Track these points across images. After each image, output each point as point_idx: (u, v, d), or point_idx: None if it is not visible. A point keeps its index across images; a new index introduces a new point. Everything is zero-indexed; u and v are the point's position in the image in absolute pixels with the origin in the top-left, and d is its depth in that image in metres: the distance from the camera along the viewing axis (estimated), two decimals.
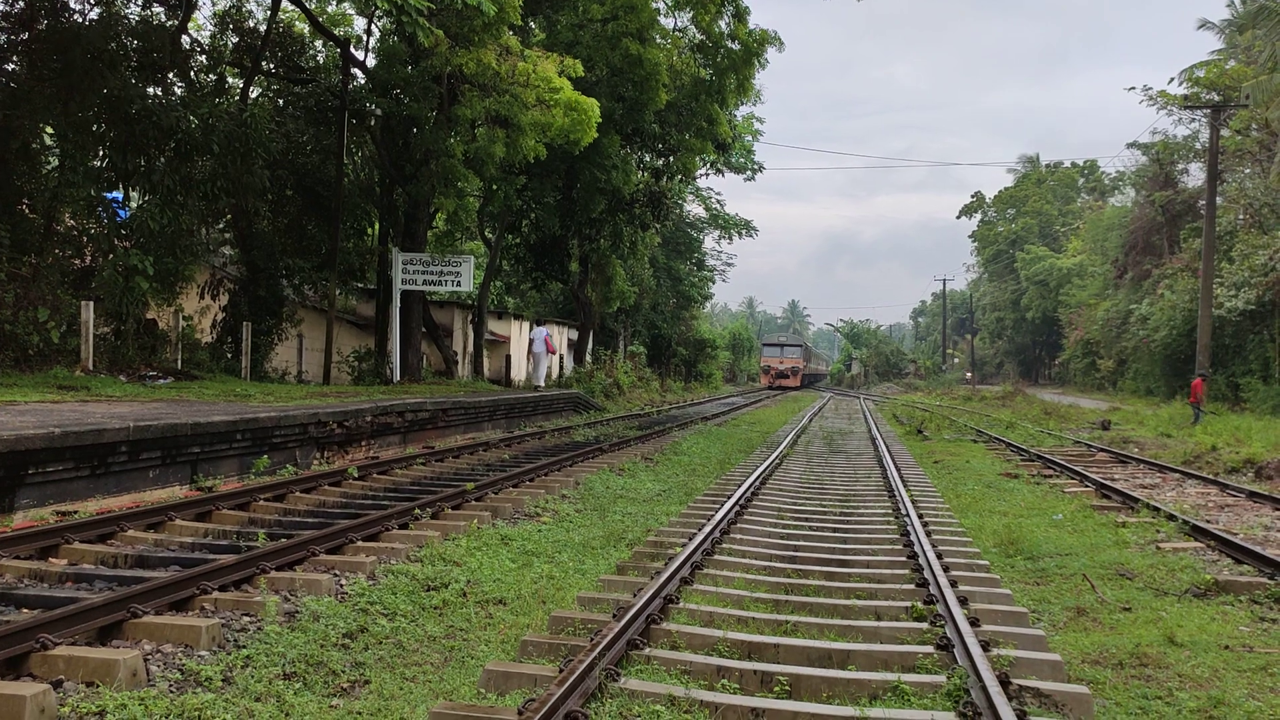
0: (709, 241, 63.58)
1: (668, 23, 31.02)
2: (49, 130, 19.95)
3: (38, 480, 9.16)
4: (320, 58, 27.05)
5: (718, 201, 60.19)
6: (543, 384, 29.92)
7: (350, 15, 28.90)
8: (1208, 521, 11.22)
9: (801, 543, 9.50)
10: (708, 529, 9.15)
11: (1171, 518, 11.02)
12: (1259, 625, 7.10)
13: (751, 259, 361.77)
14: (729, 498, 11.44)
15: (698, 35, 31.23)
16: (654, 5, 28.72)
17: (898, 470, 15.19)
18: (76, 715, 4.73)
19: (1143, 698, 5.55)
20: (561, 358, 45.46)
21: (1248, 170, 42.29)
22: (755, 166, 53.33)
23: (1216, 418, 26.75)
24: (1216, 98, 36.76)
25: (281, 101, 26.32)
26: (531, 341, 30.18)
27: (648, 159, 36.15)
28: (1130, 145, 66.89)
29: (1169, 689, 5.67)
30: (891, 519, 10.88)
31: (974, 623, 6.23)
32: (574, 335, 43.26)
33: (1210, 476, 15.62)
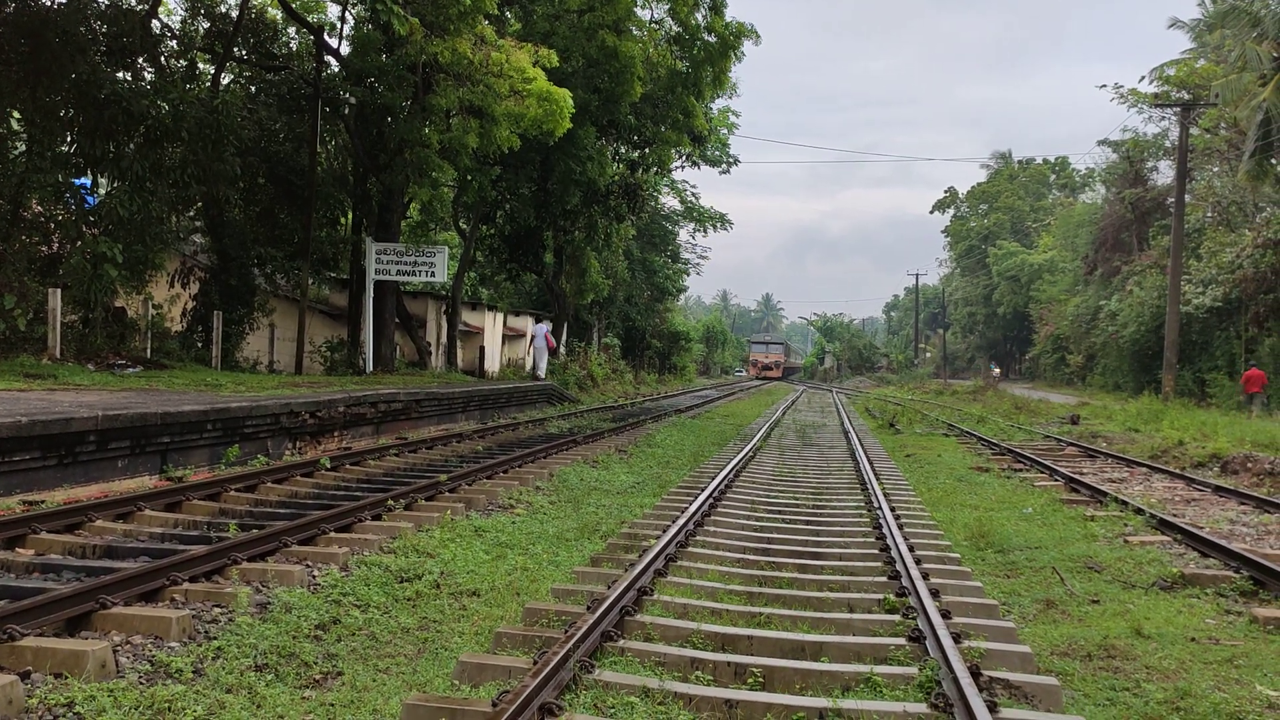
0: (684, 234, 63.66)
1: (644, 14, 30.99)
2: (16, 115, 19.65)
3: (4, 470, 9.05)
4: (293, 45, 26.79)
5: (693, 194, 60.27)
6: (543, 375, 30.87)
7: (324, 2, 28.66)
8: (1174, 515, 11.35)
9: (775, 535, 9.53)
10: (681, 521, 9.16)
11: (1139, 511, 11.15)
12: (1225, 618, 7.19)
13: (720, 252, 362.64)
14: (703, 490, 11.46)
15: (674, 27, 31.21)
16: None
17: (870, 463, 15.27)
18: (45, 706, 4.68)
19: (1111, 689, 5.62)
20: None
21: (1216, 168, 42.83)
22: (730, 159, 53.41)
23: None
24: (1186, 96, 37.19)
25: (254, 88, 26.04)
26: (533, 337, 31.77)
27: (623, 151, 36.11)
28: (1101, 143, 67.45)
29: (1136, 680, 5.74)
30: (864, 512, 10.94)
31: (945, 615, 6.28)
32: (548, 327, 43.17)
33: (1177, 471, 15.82)
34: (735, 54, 31.01)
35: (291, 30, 26.81)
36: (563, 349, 40.13)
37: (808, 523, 10.35)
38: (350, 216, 27.83)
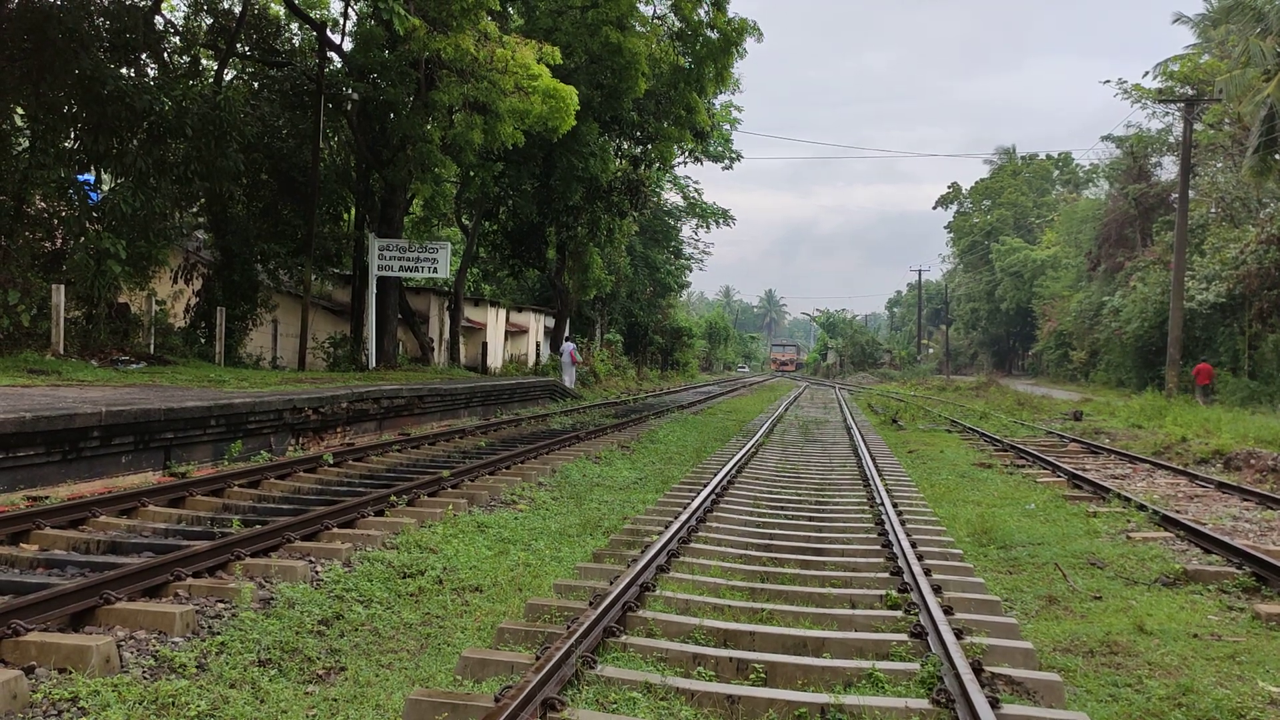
0: (686, 230, 63.60)
1: (647, 10, 30.99)
2: (20, 111, 19.68)
3: (8, 465, 9.06)
4: (296, 41, 26.80)
5: (695, 190, 60.22)
6: (571, 385, 32.43)
7: None
8: (1177, 511, 11.34)
9: (777, 531, 9.53)
10: (684, 517, 9.16)
11: (1142, 508, 11.14)
12: (1227, 614, 7.19)
13: (719, 247, 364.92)
14: (705, 486, 11.46)
15: (677, 23, 31.19)
16: None
17: (873, 459, 15.26)
18: (49, 701, 4.69)
19: (1113, 685, 5.62)
20: (539, 345, 45.47)
21: (1220, 164, 42.74)
22: (733, 155, 53.30)
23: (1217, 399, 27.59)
24: (1190, 92, 37.11)
25: (257, 85, 26.08)
26: (562, 353, 34.42)
27: (626, 147, 36.10)
28: (1105, 138, 67.36)
29: (1139, 676, 5.74)
30: (866, 508, 10.94)
31: (947, 611, 6.28)
32: (550, 323, 43.20)
33: (1180, 467, 15.80)
34: (738, 50, 30.99)
35: (294, 26, 26.83)
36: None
37: (810, 519, 10.35)
38: (353, 212, 27.87)
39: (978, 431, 22.70)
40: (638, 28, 29.31)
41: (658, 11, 31.62)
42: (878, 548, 8.70)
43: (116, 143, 19.41)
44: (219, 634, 5.74)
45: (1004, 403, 35.40)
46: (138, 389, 13.39)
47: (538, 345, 45.78)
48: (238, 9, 24.17)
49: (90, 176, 20.02)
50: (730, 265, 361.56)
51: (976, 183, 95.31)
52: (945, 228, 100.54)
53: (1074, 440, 20.54)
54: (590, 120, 28.59)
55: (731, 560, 8.15)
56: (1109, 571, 8.48)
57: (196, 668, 5.27)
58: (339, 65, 25.38)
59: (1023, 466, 16.23)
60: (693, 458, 16.29)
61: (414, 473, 12.25)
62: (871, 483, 12.44)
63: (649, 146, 35.16)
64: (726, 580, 7.41)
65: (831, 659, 5.64)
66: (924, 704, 4.90)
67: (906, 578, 7.25)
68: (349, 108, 25.58)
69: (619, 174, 34.56)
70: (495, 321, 40.62)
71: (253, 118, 23.36)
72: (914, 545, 8.36)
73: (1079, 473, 14.54)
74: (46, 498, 9.16)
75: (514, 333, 43.89)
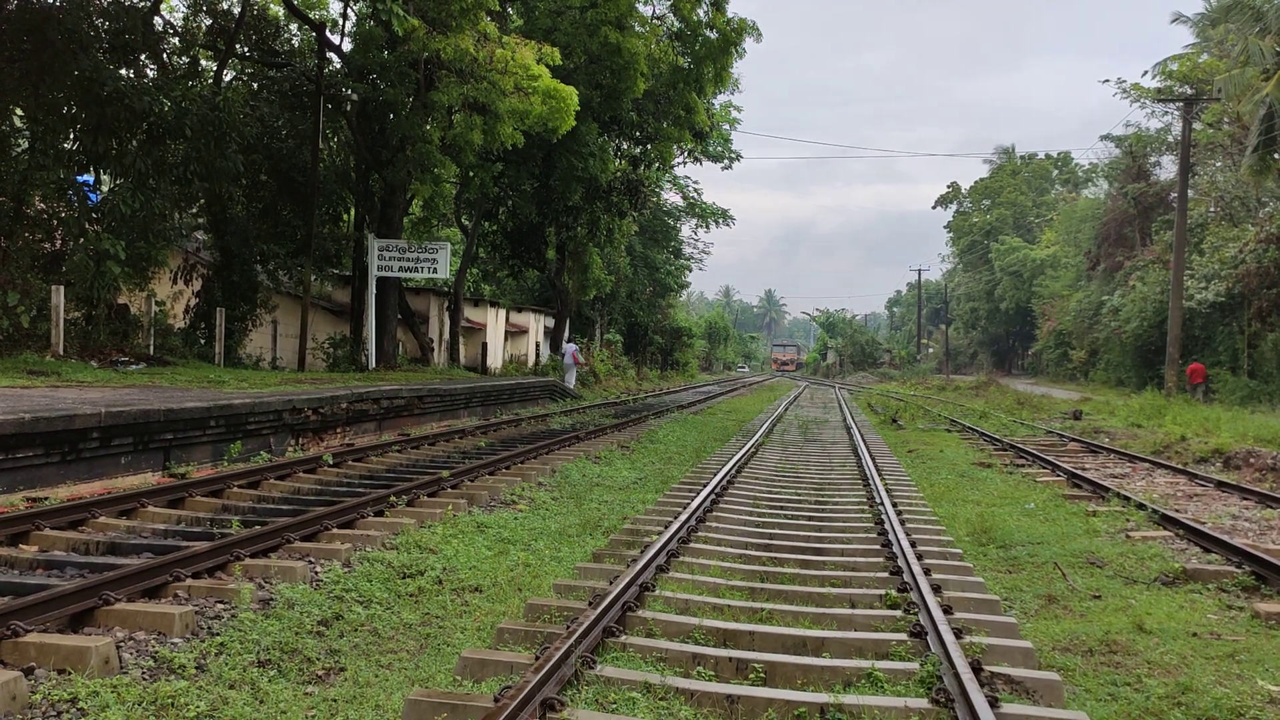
0: (686, 230, 63.60)
1: (646, 10, 30.99)
2: (19, 112, 19.68)
3: (7, 466, 9.06)
4: (295, 41, 26.81)
5: (695, 190, 60.21)
6: (572, 386, 32.55)
7: None
8: (1177, 510, 11.34)
9: (777, 531, 9.53)
10: (684, 517, 9.16)
11: (1141, 507, 11.14)
12: (1226, 613, 7.19)
13: (719, 247, 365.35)
14: (705, 486, 11.46)
15: (676, 23, 31.19)
16: None
17: (872, 459, 15.26)
18: (48, 702, 4.69)
19: (1112, 684, 5.62)
20: (538, 345, 45.48)
21: (1219, 163, 42.75)
22: (732, 155, 53.27)
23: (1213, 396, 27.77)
24: (1189, 91, 37.13)
25: (256, 85, 26.08)
26: (564, 354, 34.71)
27: (625, 147, 36.09)
28: (1104, 138, 67.41)
29: (1138, 675, 5.74)
30: (866, 507, 10.93)
31: (947, 610, 6.28)
32: (550, 323, 43.23)
33: (1179, 466, 15.80)
34: (737, 50, 30.98)
35: (294, 27, 26.84)
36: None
37: (810, 518, 10.35)
38: (353, 213, 27.87)
39: (977, 431, 22.70)
40: (637, 28, 29.31)
41: (657, 11, 31.64)
42: (877, 547, 8.71)
43: (116, 144, 19.41)
44: (218, 635, 5.74)
45: (1003, 402, 35.40)
46: (137, 390, 13.39)
47: (538, 345, 45.78)
48: (237, 10, 24.17)
49: (90, 177, 20.02)
50: (730, 265, 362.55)
51: (976, 182, 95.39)
52: (945, 227, 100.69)
53: (1073, 439, 20.54)
54: (590, 120, 28.59)
55: (731, 560, 8.16)
56: (1108, 570, 8.49)
57: (196, 668, 5.27)
58: (338, 66, 25.38)
59: (1022, 466, 16.23)
60: (692, 458, 16.29)
61: (413, 473, 12.25)
62: (871, 482, 12.44)
63: (648, 146, 35.17)
64: (726, 580, 7.41)
65: (831, 659, 5.64)
66: (923, 703, 4.90)
67: (906, 577, 7.25)
68: (348, 108, 25.58)
69: (618, 174, 34.56)
70: (495, 322, 40.64)
71: (252, 118, 23.36)
72: (913, 545, 8.36)
73: (1078, 472, 14.54)
74: (46, 499, 9.16)
75: (514, 333, 43.90)
